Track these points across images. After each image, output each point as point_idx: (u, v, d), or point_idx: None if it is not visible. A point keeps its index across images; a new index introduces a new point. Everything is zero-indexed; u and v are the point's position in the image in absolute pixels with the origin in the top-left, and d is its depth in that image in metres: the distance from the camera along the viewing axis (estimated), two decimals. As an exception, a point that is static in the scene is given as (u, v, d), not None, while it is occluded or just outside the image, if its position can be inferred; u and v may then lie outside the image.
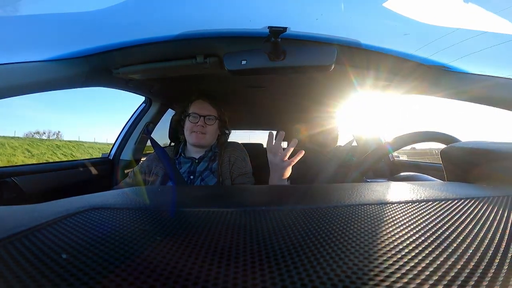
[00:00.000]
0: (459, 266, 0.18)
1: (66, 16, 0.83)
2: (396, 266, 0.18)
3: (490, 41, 0.81)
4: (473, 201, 0.34)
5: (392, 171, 1.86)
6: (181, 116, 1.20)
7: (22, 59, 0.74)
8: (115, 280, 0.16)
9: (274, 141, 0.90)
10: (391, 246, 0.21)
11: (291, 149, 0.88)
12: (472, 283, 0.16)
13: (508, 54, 0.80)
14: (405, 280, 0.16)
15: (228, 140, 1.30)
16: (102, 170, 1.59)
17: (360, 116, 1.81)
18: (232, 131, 1.36)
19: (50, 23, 0.85)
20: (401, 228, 0.25)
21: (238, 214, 0.29)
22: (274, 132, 0.94)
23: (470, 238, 0.23)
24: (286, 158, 0.89)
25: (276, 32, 0.74)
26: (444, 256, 0.20)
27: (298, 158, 0.88)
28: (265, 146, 2.85)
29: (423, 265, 0.18)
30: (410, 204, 0.33)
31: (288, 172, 0.90)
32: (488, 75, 0.80)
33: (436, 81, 0.92)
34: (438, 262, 0.19)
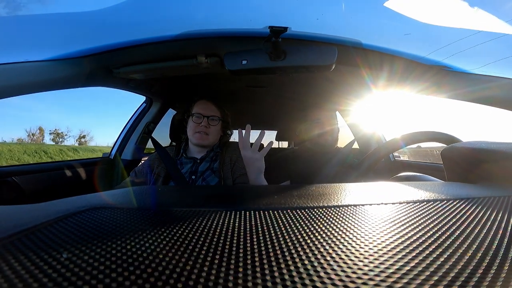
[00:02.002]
0: (459, 267, 0.18)
1: (67, 16, 0.83)
2: (397, 266, 0.18)
3: (490, 41, 0.81)
4: (474, 201, 0.33)
5: (392, 171, 1.85)
6: (184, 115, 1.20)
7: (23, 58, 0.74)
8: (116, 279, 0.16)
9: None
10: (392, 246, 0.21)
11: (260, 141, 0.98)
12: (472, 283, 0.16)
13: (509, 54, 0.80)
14: (405, 280, 0.16)
15: (230, 140, 1.30)
16: (103, 170, 1.59)
17: (361, 116, 1.81)
18: (233, 130, 1.36)
19: (50, 22, 0.85)
20: (402, 228, 0.25)
21: (239, 214, 0.29)
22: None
23: (471, 239, 0.23)
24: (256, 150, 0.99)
25: (277, 32, 0.74)
26: (445, 256, 0.19)
27: (268, 149, 0.97)
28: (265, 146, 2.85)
29: (424, 265, 0.18)
30: (411, 204, 0.33)
31: (262, 164, 0.98)
32: (489, 75, 0.80)
33: (437, 81, 0.92)
34: (439, 263, 0.19)
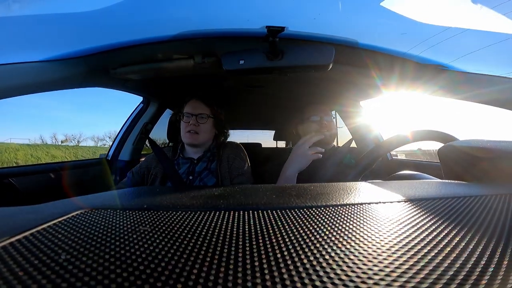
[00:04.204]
0: (457, 265, 0.18)
1: (64, 16, 0.83)
2: (395, 265, 0.18)
3: (489, 40, 0.82)
4: (471, 200, 0.34)
5: (390, 170, 1.86)
6: (176, 117, 1.21)
7: (19, 59, 0.74)
8: (115, 280, 0.16)
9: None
10: (390, 244, 0.21)
11: (317, 139, 1.00)
12: (471, 281, 0.16)
13: (507, 53, 0.80)
14: (404, 278, 0.16)
15: (227, 141, 1.30)
16: (101, 171, 1.58)
17: (358, 115, 1.81)
18: (230, 130, 1.36)
19: (47, 23, 0.84)
20: (400, 226, 0.25)
21: (237, 214, 0.29)
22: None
23: (468, 237, 0.23)
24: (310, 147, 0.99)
25: (274, 32, 0.74)
26: (443, 254, 0.20)
27: (318, 157, 0.97)
28: (263, 146, 2.85)
29: (422, 263, 0.18)
30: (409, 202, 0.33)
31: (305, 165, 0.97)
32: (486, 74, 0.80)
33: (434, 80, 0.92)
34: (437, 261, 0.19)
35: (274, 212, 0.30)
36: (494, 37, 0.81)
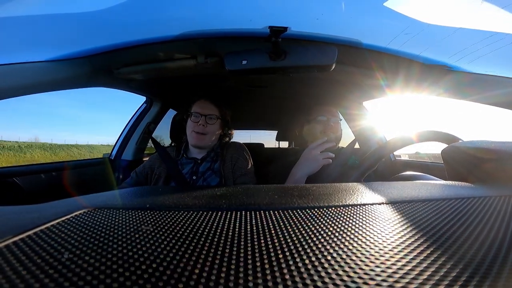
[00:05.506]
0: (461, 266, 0.18)
1: (68, 16, 0.83)
2: (398, 266, 0.18)
3: (496, 41, 0.81)
4: (474, 201, 0.33)
5: (393, 171, 1.85)
6: (183, 116, 1.20)
7: (24, 59, 0.74)
8: (118, 279, 0.16)
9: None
10: (393, 245, 0.21)
11: (329, 145, 1.02)
12: (474, 282, 0.16)
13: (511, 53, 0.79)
14: (407, 280, 0.16)
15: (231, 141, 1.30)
16: (103, 171, 1.59)
17: (362, 116, 1.80)
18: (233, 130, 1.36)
19: (51, 23, 0.85)
20: (403, 227, 0.25)
21: (239, 214, 0.29)
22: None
23: (472, 238, 0.23)
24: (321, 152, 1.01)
25: (277, 32, 0.74)
26: (446, 255, 0.19)
27: (328, 162, 1.00)
28: (266, 146, 2.85)
29: (425, 264, 0.18)
30: (412, 203, 0.33)
31: (315, 169, 0.99)
32: (491, 75, 0.80)
33: (438, 80, 0.92)
34: (440, 262, 0.19)
35: (276, 212, 0.30)
36: (502, 38, 0.80)
